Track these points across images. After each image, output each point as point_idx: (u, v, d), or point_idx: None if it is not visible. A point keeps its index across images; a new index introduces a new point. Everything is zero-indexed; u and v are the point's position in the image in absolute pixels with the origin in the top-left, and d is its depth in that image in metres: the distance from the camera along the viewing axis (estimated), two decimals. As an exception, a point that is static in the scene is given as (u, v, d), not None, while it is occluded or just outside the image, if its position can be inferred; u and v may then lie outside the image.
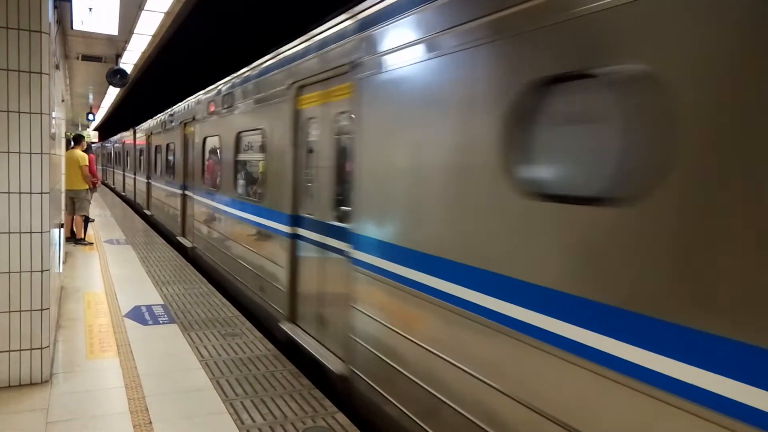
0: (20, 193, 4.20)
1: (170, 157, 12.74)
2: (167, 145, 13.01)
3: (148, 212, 16.02)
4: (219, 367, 4.86)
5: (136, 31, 8.09)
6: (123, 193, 23.77)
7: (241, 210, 7.36)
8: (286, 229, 5.61)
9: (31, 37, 4.16)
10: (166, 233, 13.05)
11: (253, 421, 3.90)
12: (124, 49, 9.30)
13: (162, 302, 6.88)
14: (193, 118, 10.10)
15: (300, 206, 5.46)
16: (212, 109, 8.83)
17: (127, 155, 22.61)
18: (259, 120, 6.67)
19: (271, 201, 6.16)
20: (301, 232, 5.40)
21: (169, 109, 13.15)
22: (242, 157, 7.52)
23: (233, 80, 7.89)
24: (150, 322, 6.07)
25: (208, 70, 17.12)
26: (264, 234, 6.38)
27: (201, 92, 9.83)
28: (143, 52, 9.71)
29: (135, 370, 4.70)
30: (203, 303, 6.95)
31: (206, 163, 9.38)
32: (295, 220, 5.49)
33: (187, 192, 10.82)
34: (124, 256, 9.85)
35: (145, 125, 17.35)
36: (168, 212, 12.91)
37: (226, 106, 8.09)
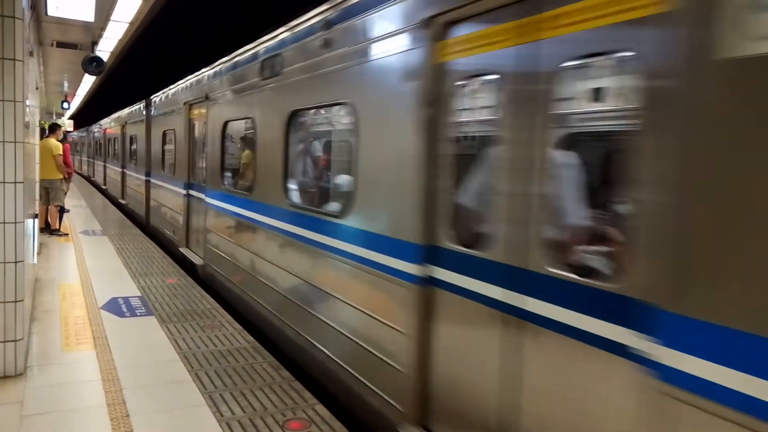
0: (-7, 182, 4.11)
1: (310, 152, 6.33)
2: (301, 123, 5.55)
3: (195, 258, 8.31)
4: (198, 359, 4.83)
5: (113, 17, 7.94)
6: (122, 202, 16.45)
7: None
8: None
9: (4, 23, 4.06)
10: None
11: (233, 413, 3.88)
12: (100, 36, 9.12)
13: (139, 294, 6.81)
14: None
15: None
16: None
17: (133, 144, 14.96)
18: None
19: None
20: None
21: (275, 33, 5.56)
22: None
23: None
24: (127, 314, 6.00)
25: (187, 59, 16.88)
26: None
27: None
28: (120, 40, 9.53)
29: (112, 362, 4.65)
30: (181, 295, 6.89)
31: None
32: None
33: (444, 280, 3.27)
34: (100, 248, 9.71)
35: (180, 87, 9.77)
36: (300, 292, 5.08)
37: None
